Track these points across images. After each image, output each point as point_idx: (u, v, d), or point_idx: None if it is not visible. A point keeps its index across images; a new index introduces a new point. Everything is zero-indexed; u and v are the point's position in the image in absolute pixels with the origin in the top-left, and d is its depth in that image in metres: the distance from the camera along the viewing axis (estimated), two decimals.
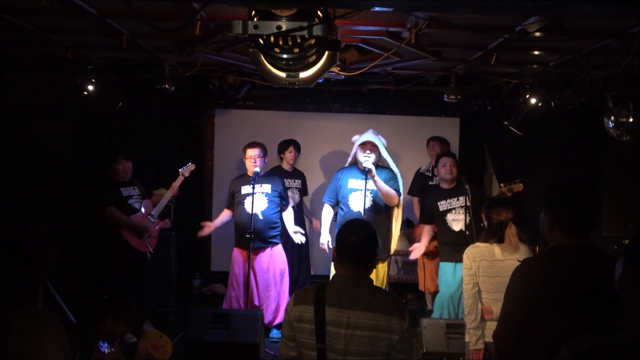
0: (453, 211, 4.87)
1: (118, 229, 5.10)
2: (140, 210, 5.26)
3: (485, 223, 3.66)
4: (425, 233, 5.13)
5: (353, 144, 5.15)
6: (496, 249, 3.48)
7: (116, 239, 5.09)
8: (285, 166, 6.18)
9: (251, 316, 4.53)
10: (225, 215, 5.46)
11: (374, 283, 2.55)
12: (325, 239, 5.13)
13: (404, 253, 6.88)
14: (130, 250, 5.16)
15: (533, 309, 2.12)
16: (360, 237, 2.44)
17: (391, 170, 5.12)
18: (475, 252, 3.52)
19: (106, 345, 3.16)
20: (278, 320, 5.23)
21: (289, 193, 5.85)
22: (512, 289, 2.26)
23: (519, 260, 2.49)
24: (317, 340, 2.36)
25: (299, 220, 6.14)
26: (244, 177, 5.35)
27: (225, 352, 4.35)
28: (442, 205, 4.92)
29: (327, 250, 5.04)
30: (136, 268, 5.26)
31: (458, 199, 4.86)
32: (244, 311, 4.88)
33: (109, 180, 5.19)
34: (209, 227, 5.39)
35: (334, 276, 2.50)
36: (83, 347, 3.26)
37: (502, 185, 5.11)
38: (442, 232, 4.96)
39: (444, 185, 5.01)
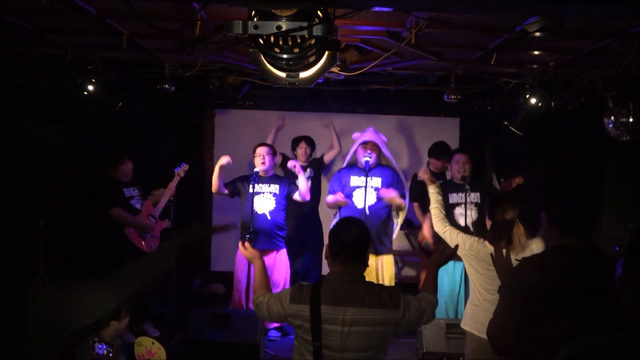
0: (462, 205, 4.81)
1: (122, 229, 5.10)
2: (141, 210, 5.27)
3: (489, 223, 3.46)
4: (428, 220, 5.05)
5: (354, 141, 5.18)
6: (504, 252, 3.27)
7: (120, 239, 5.09)
8: (300, 163, 6.12)
9: (251, 316, 4.53)
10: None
11: (384, 277, 2.57)
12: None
13: (404, 253, 6.90)
14: (134, 250, 5.16)
15: (531, 309, 2.12)
16: (352, 234, 2.48)
17: (393, 169, 5.16)
18: (480, 249, 3.38)
19: (105, 347, 3.16)
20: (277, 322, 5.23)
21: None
22: (510, 288, 2.26)
23: (516, 260, 2.48)
24: (313, 338, 2.40)
25: (311, 212, 6.09)
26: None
27: (225, 352, 4.35)
28: (453, 197, 4.88)
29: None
30: None
31: (470, 195, 4.79)
32: (244, 311, 4.89)
33: (111, 180, 5.19)
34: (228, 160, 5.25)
35: (328, 274, 2.54)
36: (81, 348, 3.26)
37: (502, 180, 5.07)
38: None
39: (456, 180, 4.95)
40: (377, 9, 2.94)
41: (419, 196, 5.93)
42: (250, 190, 5.17)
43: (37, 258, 4.67)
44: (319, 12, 2.48)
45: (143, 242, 5.21)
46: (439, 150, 5.68)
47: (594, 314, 2.03)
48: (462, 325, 3.54)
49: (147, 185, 5.59)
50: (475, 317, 3.43)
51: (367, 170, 4.95)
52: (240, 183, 5.37)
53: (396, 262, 7.02)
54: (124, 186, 5.22)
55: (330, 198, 5.19)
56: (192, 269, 6.91)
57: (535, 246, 3.41)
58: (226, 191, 5.31)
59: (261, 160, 5.21)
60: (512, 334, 2.16)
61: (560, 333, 2.01)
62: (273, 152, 5.32)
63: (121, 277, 1.98)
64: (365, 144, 5.03)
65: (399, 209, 5.20)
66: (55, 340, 1.72)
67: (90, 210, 5.40)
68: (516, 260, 3.33)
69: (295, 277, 5.97)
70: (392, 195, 5.02)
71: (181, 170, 5.52)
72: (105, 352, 3.15)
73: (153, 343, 3.69)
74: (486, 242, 3.44)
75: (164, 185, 5.55)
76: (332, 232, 2.54)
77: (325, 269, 6.27)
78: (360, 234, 2.51)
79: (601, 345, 1.47)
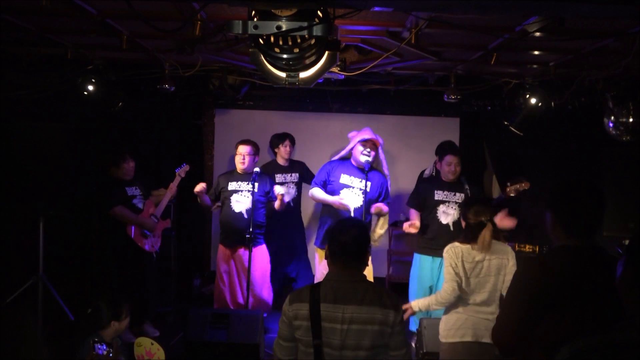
0: (447, 204, 4.85)
1: (123, 229, 5.10)
2: (143, 210, 5.27)
3: (463, 223, 3.54)
4: (415, 216, 5.02)
5: (349, 139, 5.12)
6: (475, 250, 3.38)
7: (123, 239, 5.10)
8: (280, 161, 6.04)
9: (251, 316, 4.53)
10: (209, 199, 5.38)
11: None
12: (342, 199, 4.89)
13: (403, 253, 6.89)
14: (136, 250, 5.16)
15: (533, 309, 2.12)
16: (351, 236, 2.48)
17: (383, 174, 5.12)
18: (456, 252, 3.40)
19: (105, 347, 3.15)
20: None
21: (285, 188, 5.70)
22: (513, 288, 2.26)
23: (517, 258, 2.48)
24: (313, 336, 2.40)
25: (295, 217, 6.11)
26: (232, 174, 5.34)
27: (225, 352, 4.35)
28: (438, 194, 4.89)
29: (348, 206, 4.87)
30: (141, 268, 5.26)
31: (455, 194, 4.86)
32: (244, 311, 4.88)
33: (112, 179, 5.19)
34: (203, 186, 5.18)
35: (327, 274, 2.53)
36: (81, 348, 3.26)
37: (508, 184, 5.06)
38: (428, 223, 4.91)
39: (445, 179, 4.96)
40: (377, 9, 2.93)
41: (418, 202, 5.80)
42: (231, 187, 5.20)
43: (37, 258, 4.67)
44: (319, 12, 2.48)
45: (145, 242, 5.22)
46: (445, 150, 5.67)
47: (595, 314, 2.03)
48: (441, 339, 3.51)
49: (147, 185, 5.59)
50: (456, 325, 3.41)
51: (366, 171, 4.89)
52: (217, 183, 5.37)
53: (396, 262, 7.02)
54: (126, 185, 5.22)
55: (318, 194, 5.01)
56: (192, 269, 6.92)
57: (501, 247, 3.42)
58: (214, 205, 5.37)
59: (241, 160, 5.21)
60: (514, 334, 2.16)
61: (561, 333, 2.01)
62: (254, 152, 5.29)
63: None
64: (365, 141, 4.97)
65: (380, 215, 5.13)
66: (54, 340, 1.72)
67: (91, 210, 5.40)
68: (515, 258, 3.39)
69: (285, 281, 5.99)
70: (385, 210, 4.97)
71: (182, 171, 5.52)
72: (105, 352, 3.14)
73: (152, 343, 3.69)
74: (456, 243, 3.47)
75: (164, 185, 5.55)
76: (331, 234, 2.53)
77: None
78: (360, 235, 2.50)
79: (601, 345, 1.47)
